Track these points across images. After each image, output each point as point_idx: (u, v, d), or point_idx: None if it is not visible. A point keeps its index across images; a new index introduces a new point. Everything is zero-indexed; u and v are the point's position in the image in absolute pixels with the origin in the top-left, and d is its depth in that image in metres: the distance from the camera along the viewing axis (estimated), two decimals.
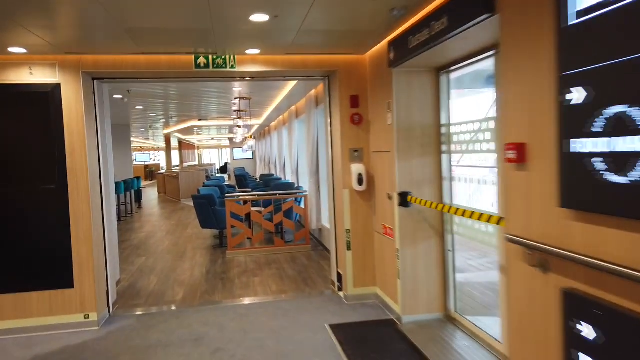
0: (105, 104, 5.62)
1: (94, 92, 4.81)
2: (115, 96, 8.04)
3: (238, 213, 7.71)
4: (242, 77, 5.03)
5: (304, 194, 8.05)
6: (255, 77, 5.04)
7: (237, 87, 7.87)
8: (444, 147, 4.25)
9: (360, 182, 4.86)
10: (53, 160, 4.47)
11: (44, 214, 4.47)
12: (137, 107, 9.87)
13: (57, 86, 4.45)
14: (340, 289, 5.31)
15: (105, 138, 5.33)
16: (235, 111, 11.12)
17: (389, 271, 4.59)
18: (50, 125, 4.45)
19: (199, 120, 13.58)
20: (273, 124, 14.74)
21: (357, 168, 4.88)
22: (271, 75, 5.06)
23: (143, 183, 29.21)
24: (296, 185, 10.27)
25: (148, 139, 25.10)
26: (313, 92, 7.87)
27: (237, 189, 13.25)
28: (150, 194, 21.78)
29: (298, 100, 9.28)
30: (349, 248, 5.00)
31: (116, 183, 12.02)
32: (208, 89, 8.01)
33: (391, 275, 4.52)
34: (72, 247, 4.54)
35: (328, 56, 4.87)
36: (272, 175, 14.42)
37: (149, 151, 35.34)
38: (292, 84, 7.60)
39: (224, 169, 32.78)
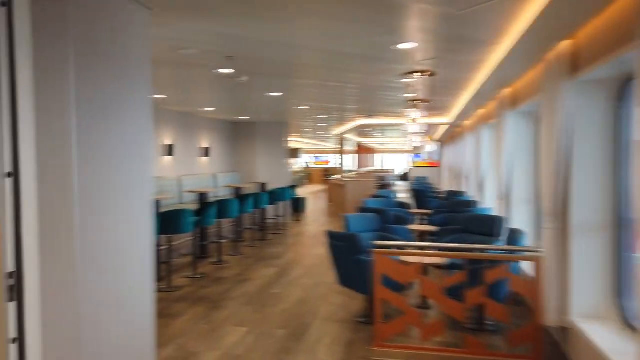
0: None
1: None
2: (221, 70, 5.24)
3: (396, 278, 4.10)
4: None
5: (537, 254, 3.98)
6: None
7: (409, 43, 4.25)
8: None
9: None
10: None
11: None
12: (271, 94, 7.04)
13: None
14: None
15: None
16: (410, 101, 7.52)
17: None
18: None
19: (368, 116, 10.35)
20: (468, 122, 10.67)
21: None
22: None
23: (318, 187, 27.66)
24: (508, 226, 6.09)
25: (323, 140, 23.25)
26: (567, 44, 3.80)
27: (412, 211, 9.55)
28: (322, 202, 19.56)
29: (518, 73, 5.21)
30: None
31: (256, 195, 9.55)
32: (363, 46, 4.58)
33: None
34: None
35: None
36: (463, 194, 10.32)
37: (326, 154, 34.10)
38: (514, 34, 3.68)
39: (405, 178, 29.30)
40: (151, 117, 2.88)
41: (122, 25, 2.51)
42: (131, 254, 2.72)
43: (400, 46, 4.30)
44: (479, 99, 7.14)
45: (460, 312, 4.01)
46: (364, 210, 7.13)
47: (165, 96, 7.82)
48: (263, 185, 11.60)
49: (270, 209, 11.14)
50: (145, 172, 2.82)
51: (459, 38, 4.10)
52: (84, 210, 2.19)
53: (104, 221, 2.39)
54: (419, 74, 5.34)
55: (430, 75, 5.53)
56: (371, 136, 18.56)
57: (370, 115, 10.22)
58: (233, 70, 5.28)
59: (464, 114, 9.65)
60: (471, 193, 9.74)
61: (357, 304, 5.56)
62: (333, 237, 4.91)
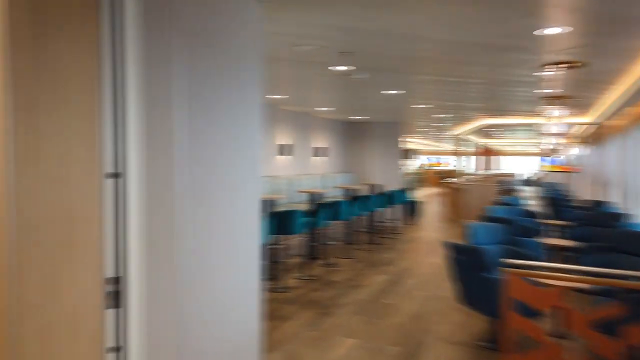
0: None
1: None
2: (337, 67, 5.02)
3: (533, 304, 3.51)
4: None
5: None
6: None
7: (554, 28, 3.61)
8: None
9: None
10: None
11: None
12: (389, 92, 6.68)
13: None
14: None
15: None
16: (545, 98, 6.63)
17: None
18: None
19: (492, 115, 9.49)
20: (615, 122, 9.24)
21: None
22: None
23: (433, 190, 26.55)
24: None
25: (438, 141, 22.25)
26: None
27: (543, 221, 8.47)
28: (437, 206, 18.66)
29: None
30: None
31: (368, 197, 9.24)
32: (499, 34, 4.04)
33: None
34: None
35: None
36: (607, 204, 8.93)
37: (441, 155, 32.69)
38: None
39: (530, 183, 26.89)
40: (261, 115, 2.72)
41: (231, 18, 2.36)
42: (238, 255, 2.59)
43: (539, 32, 3.67)
44: (633, 95, 6.05)
45: (614, 351, 3.29)
46: (488, 218, 6.45)
47: (285, 96, 7.86)
48: (374, 187, 11.28)
49: (382, 212, 10.78)
50: (253, 171, 2.68)
51: (620, 19, 3.37)
52: (189, 211, 2.06)
53: (209, 222, 2.27)
54: (562, 65, 4.59)
55: (575, 67, 4.74)
56: (492, 137, 17.24)
57: (495, 114, 9.35)
58: (349, 67, 5.04)
59: (610, 113, 8.36)
60: (618, 204, 8.40)
61: (478, 324, 4.98)
62: (454, 249, 4.42)
